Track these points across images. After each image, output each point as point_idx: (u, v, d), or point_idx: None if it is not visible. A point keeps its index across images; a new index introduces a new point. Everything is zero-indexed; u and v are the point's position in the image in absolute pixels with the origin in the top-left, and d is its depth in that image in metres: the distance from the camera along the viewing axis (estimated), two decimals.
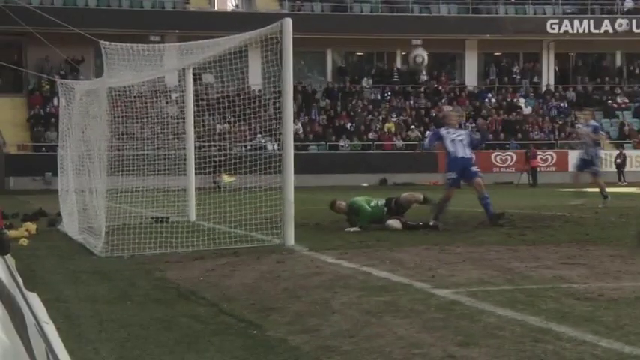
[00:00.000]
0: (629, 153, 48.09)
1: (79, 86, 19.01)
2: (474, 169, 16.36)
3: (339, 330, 6.67)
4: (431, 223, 15.39)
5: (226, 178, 18.73)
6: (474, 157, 16.98)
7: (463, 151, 16.22)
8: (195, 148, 18.22)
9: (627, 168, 45.97)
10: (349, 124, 49.49)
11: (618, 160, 45.70)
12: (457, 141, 16.25)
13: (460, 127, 17.03)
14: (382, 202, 15.75)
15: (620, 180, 43.87)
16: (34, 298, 5.19)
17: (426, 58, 15.91)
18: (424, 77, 54.23)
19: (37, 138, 45.39)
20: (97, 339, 6.63)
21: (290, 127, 13.28)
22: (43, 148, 43.57)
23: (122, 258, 11.95)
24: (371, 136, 48.75)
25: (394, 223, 15.39)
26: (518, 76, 55.82)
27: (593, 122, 23.43)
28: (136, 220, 16.12)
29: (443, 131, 16.75)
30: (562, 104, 53.75)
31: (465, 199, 18.94)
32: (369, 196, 16.60)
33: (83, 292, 8.92)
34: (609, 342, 6.02)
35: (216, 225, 15.14)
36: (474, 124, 49.85)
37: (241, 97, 17.67)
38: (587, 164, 22.23)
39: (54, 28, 29.26)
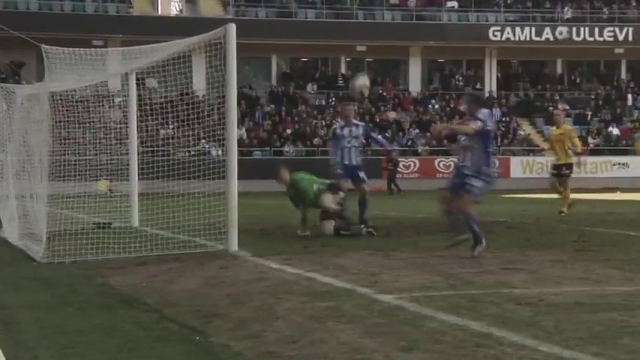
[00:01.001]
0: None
1: (20, 90, 18.76)
2: (362, 175, 16.18)
3: (283, 336, 6.67)
4: (363, 230, 15.28)
5: (101, 185, 18.22)
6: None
7: (354, 159, 16.03)
8: (138, 153, 18.09)
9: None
10: (293, 130, 49.51)
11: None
12: (347, 148, 15.97)
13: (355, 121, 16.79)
14: (324, 186, 15.40)
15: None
16: None
17: (367, 84, 15.82)
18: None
19: None
20: (36, 346, 6.55)
21: (234, 132, 13.23)
22: None
23: (64, 264, 11.82)
24: (316, 141, 48.80)
25: (328, 225, 15.23)
26: (461, 83, 56.31)
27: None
28: (78, 226, 15.95)
29: (338, 130, 16.18)
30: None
31: (408, 204, 19.04)
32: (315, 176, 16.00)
33: (23, 299, 8.81)
34: (549, 347, 6.10)
35: (160, 231, 15.05)
36: (417, 131, 50.21)
37: (185, 102, 17.60)
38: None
39: None
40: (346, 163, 15.96)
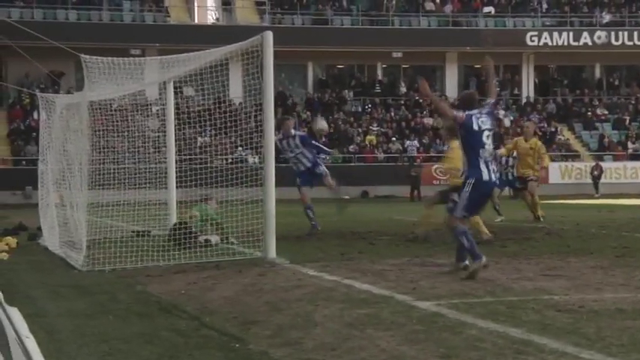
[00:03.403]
0: (608, 165, 48.34)
1: (60, 100, 18.93)
2: (321, 169, 17.18)
3: (321, 343, 6.66)
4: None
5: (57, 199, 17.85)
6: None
7: (307, 162, 17.03)
8: (175, 161, 18.17)
9: (603, 180, 46.22)
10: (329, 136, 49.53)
11: (595, 172, 46.01)
12: (294, 157, 17.07)
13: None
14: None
15: (596, 192, 44.22)
16: (15, 313, 5.16)
17: (325, 128, 16.52)
18: (403, 89, 54.43)
19: (16, 152, 45.15)
20: (77, 354, 6.60)
21: (271, 139, 13.27)
22: (23, 162, 43.34)
23: (103, 272, 11.90)
24: (352, 148, 48.77)
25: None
26: (498, 88, 56.03)
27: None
28: (117, 234, 16.04)
29: (278, 143, 16.56)
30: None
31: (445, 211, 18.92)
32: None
33: (64, 307, 8.87)
34: (591, 354, 6.05)
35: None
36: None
37: (222, 109, 17.64)
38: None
39: (34, 41, 29.14)
40: (302, 169, 17.06)
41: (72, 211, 15.34)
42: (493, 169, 10.57)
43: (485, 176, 10.40)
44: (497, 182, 10.99)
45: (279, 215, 13.20)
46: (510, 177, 21.24)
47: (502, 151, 20.83)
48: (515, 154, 20.69)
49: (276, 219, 12.99)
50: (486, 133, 10.47)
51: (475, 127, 10.44)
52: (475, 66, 56.84)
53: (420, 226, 16.09)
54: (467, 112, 10.61)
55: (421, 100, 53.78)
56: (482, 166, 10.42)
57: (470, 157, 10.50)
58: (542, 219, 19.87)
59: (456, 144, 16.06)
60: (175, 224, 15.35)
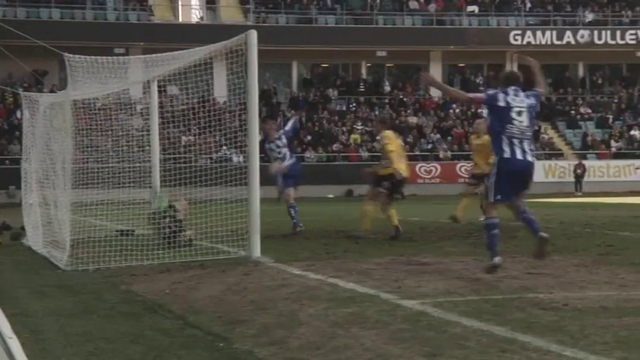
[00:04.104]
0: (591, 163, 48.55)
1: (43, 99, 18.86)
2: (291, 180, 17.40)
3: (307, 342, 6.67)
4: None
5: None
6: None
7: (287, 161, 17.35)
8: (160, 160, 18.14)
9: (587, 178, 46.44)
10: (314, 135, 49.55)
11: (578, 171, 46.23)
12: (280, 159, 17.27)
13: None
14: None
15: (577, 190, 44.42)
16: None
17: (282, 169, 16.74)
18: (388, 88, 54.51)
19: None
20: (62, 354, 6.58)
21: (256, 138, 13.27)
22: (7, 161, 43.15)
23: (87, 271, 11.87)
24: (336, 147, 48.80)
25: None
26: (482, 87, 56.15)
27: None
28: (101, 233, 16.01)
29: (266, 145, 17.20)
30: None
31: (430, 209, 19.01)
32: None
33: (48, 307, 8.85)
34: (574, 352, 6.07)
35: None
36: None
37: (206, 109, 17.64)
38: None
39: (17, 40, 29.06)
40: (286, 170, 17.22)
41: (55, 211, 15.29)
42: (524, 148, 10.08)
43: (507, 154, 10.03)
44: (530, 160, 10.18)
45: (263, 214, 13.20)
46: None
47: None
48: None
49: (261, 218, 12.99)
50: (517, 109, 10.08)
51: (501, 103, 10.12)
52: (459, 64, 57.02)
53: (362, 223, 16.18)
54: (490, 91, 10.50)
55: (405, 99, 53.88)
56: (505, 144, 10.07)
57: (494, 136, 10.26)
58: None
59: (386, 134, 16.40)
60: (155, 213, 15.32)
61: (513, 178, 10.21)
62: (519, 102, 10.18)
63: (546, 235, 10.28)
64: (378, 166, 17.04)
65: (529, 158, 10.17)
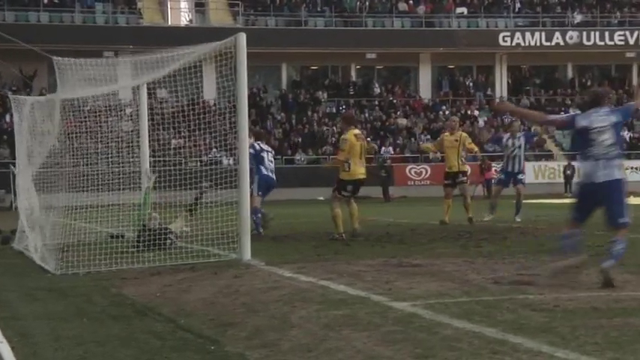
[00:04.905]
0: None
1: (32, 102, 18.80)
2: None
3: (298, 344, 6.66)
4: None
5: None
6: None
7: (272, 172, 17.81)
8: (149, 163, 18.11)
9: (576, 179, 46.47)
10: (303, 138, 49.55)
11: (568, 172, 46.32)
12: (270, 167, 17.80)
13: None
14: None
15: (566, 191, 44.50)
16: None
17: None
18: (377, 90, 54.58)
19: None
20: (52, 357, 6.56)
21: (245, 141, 13.26)
22: None
23: (78, 275, 11.84)
24: (326, 149, 48.79)
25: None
26: (472, 89, 56.29)
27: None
28: (92, 237, 15.97)
29: (256, 146, 17.71)
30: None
31: (420, 211, 19.02)
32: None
33: (39, 310, 8.83)
34: (565, 353, 6.08)
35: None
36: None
37: (196, 111, 17.59)
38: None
39: (6, 44, 29.01)
40: (273, 177, 17.70)
41: (46, 214, 15.25)
42: (604, 167, 9.67)
43: (587, 178, 9.85)
44: (606, 182, 9.65)
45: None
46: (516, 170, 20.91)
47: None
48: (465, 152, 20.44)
49: (252, 221, 12.97)
50: (597, 129, 9.76)
51: (581, 124, 9.86)
52: (449, 66, 57.11)
53: (336, 227, 16.17)
54: (570, 114, 10.33)
55: (395, 101, 53.93)
56: (587, 165, 9.83)
57: (580, 156, 10.06)
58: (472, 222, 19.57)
59: (347, 135, 16.55)
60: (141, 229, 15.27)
61: (587, 201, 10.09)
62: (601, 122, 9.84)
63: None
64: (335, 161, 17.32)
65: (602, 180, 9.71)
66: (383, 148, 49.19)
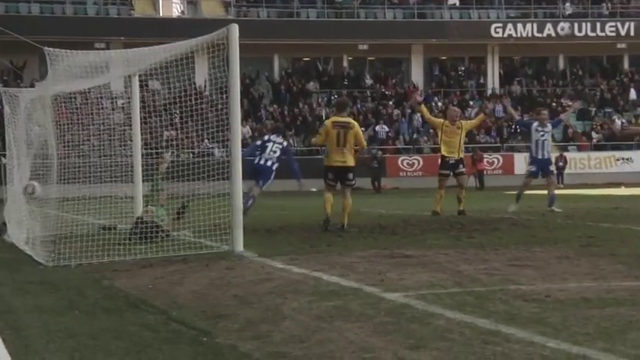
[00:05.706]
0: (572, 155, 48.71)
1: (23, 94, 18.76)
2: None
3: (290, 336, 6.67)
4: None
5: None
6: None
7: (269, 161, 19.11)
8: (142, 155, 18.08)
9: (568, 170, 46.58)
10: (296, 129, 49.51)
11: (560, 163, 46.35)
12: (271, 158, 19.10)
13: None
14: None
15: (558, 182, 44.52)
16: None
17: (37, 189, 16.25)
18: (369, 81, 54.55)
19: None
20: (44, 350, 6.56)
21: (238, 133, 13.24)
22: None
23: (69, 267, 11.82)
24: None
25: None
26: (464, 80, 56.31)
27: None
28: (83, 229, 15.95)
29: (265, 138, 19.66)
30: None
31: (413, 202, 19.03)
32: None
33: (30, 303, 8.81)
34: (557, 343, 6.10)
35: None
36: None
37: (188, 103, 17.58)
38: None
39: None
40: (263, 164, 19.12)
41: (38, 206, 15.22)
42: None
43: None
44: None
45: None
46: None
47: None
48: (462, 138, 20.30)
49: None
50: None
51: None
52: (441, 57, 57.12)
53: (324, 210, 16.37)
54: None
55: (387, 92, 53.93)
56: None
57: None
58: (465, 214, 19.42)
59: (327, 121, 16.72)
60: (136, 221, 15.25)
61: None
62: None
63: None
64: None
65: None
66: (378, 126, 49.21)
